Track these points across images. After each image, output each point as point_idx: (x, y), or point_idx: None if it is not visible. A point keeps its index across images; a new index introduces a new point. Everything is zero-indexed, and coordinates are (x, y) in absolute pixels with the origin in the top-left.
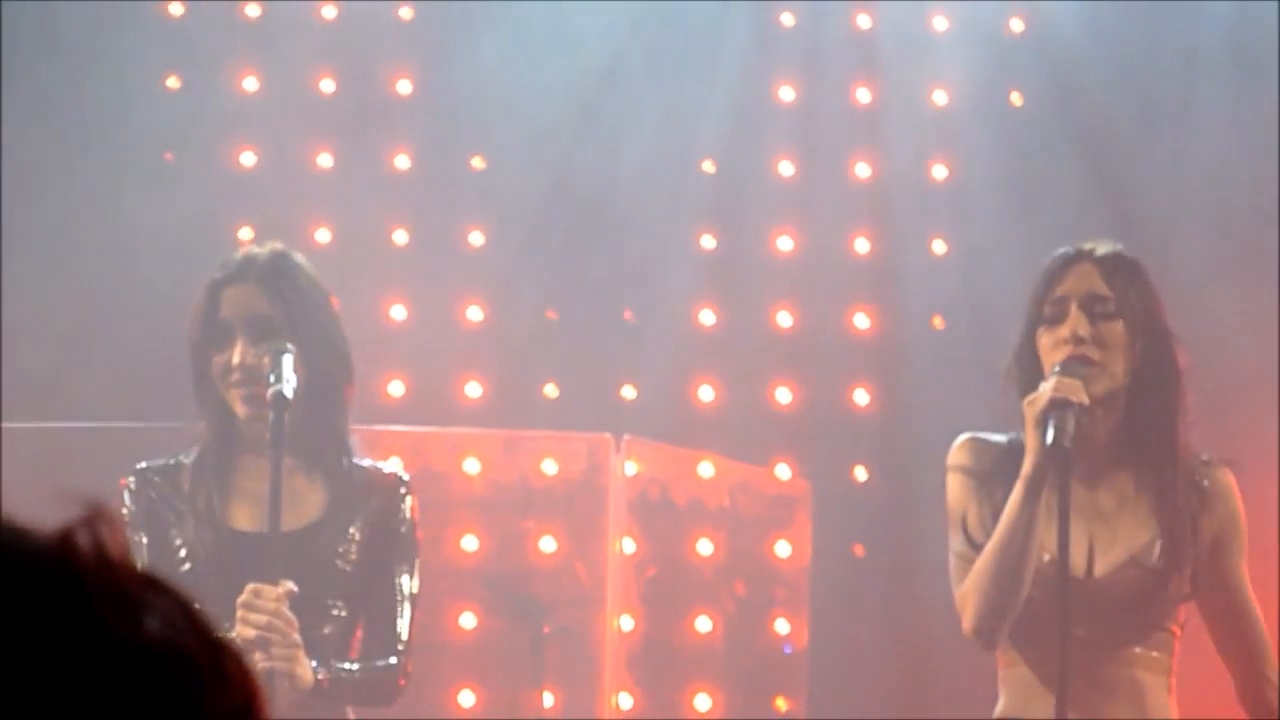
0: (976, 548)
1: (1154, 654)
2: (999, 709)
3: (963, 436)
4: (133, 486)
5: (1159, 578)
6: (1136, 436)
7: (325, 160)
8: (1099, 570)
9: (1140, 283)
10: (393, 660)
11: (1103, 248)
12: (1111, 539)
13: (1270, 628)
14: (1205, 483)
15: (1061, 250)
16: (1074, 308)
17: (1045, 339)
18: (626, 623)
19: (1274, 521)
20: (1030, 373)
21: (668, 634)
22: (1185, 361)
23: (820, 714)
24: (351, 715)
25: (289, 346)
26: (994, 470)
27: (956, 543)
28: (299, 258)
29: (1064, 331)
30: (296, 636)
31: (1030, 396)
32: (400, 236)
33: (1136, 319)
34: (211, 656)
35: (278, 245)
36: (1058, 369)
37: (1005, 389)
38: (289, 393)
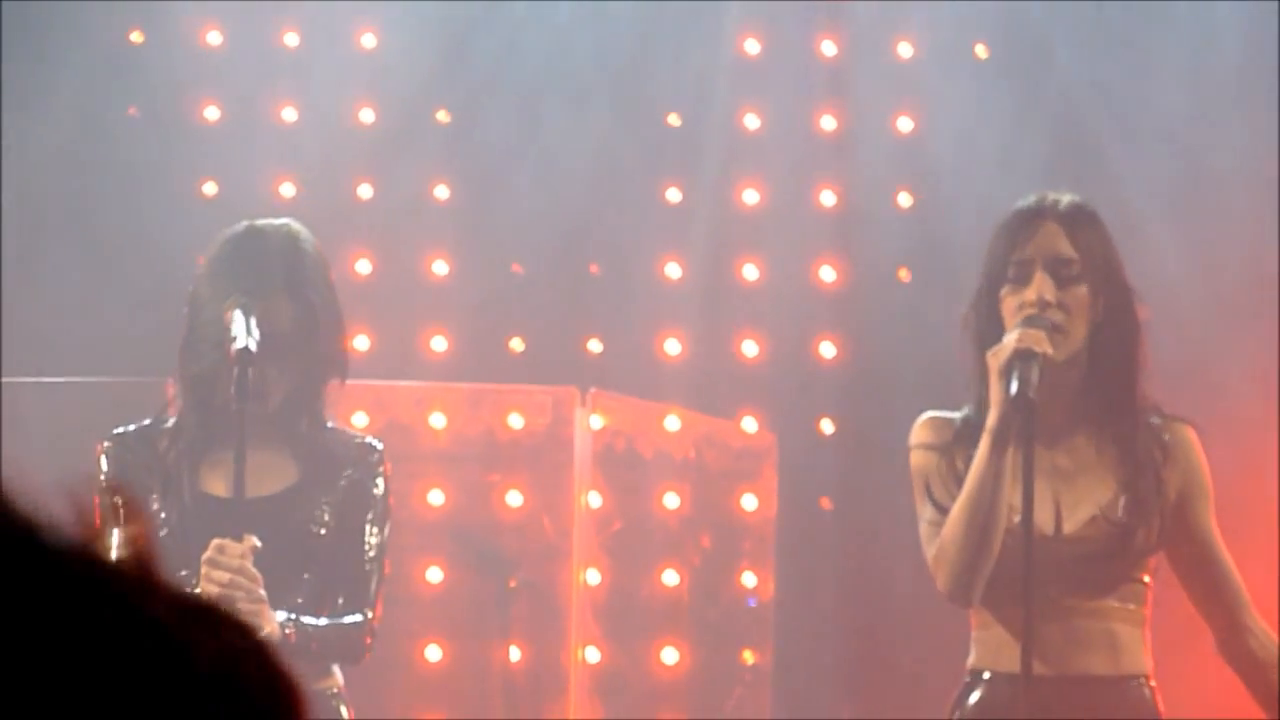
0: (944, 513)
1: (1128, 606)
2: (971, 661)
3: (923, 416)
4: (110, 451)
5: (1126, 531)
6: (1097, 392)
7: (290, 114)
8: (1067, 527)
9: (1101, 238)
10: (359, 617)
11: (1064, 200)
12: (1077, 495)
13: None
14: (1166, 437)
15: (1023, 204)
16: (1039, 271)
17: (1010, 301)
18: (593, 576)
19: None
20: (991, 330)
21: (634, 587)
22: (1145, 315)
23: (787, 667)
24: (349, 715)
25: (247, 303)
26: (955, 441)
27: (925, 512)
28: (309, 239)
29: (1030, 295)
30: (261, 591)
31: (994, 349)
32: (365, 190)
33: (1099, 278)
34: (265, 680)
35: (293, 229)
36: (1021, 323)
37: (962, 339)
38: (253, 347)
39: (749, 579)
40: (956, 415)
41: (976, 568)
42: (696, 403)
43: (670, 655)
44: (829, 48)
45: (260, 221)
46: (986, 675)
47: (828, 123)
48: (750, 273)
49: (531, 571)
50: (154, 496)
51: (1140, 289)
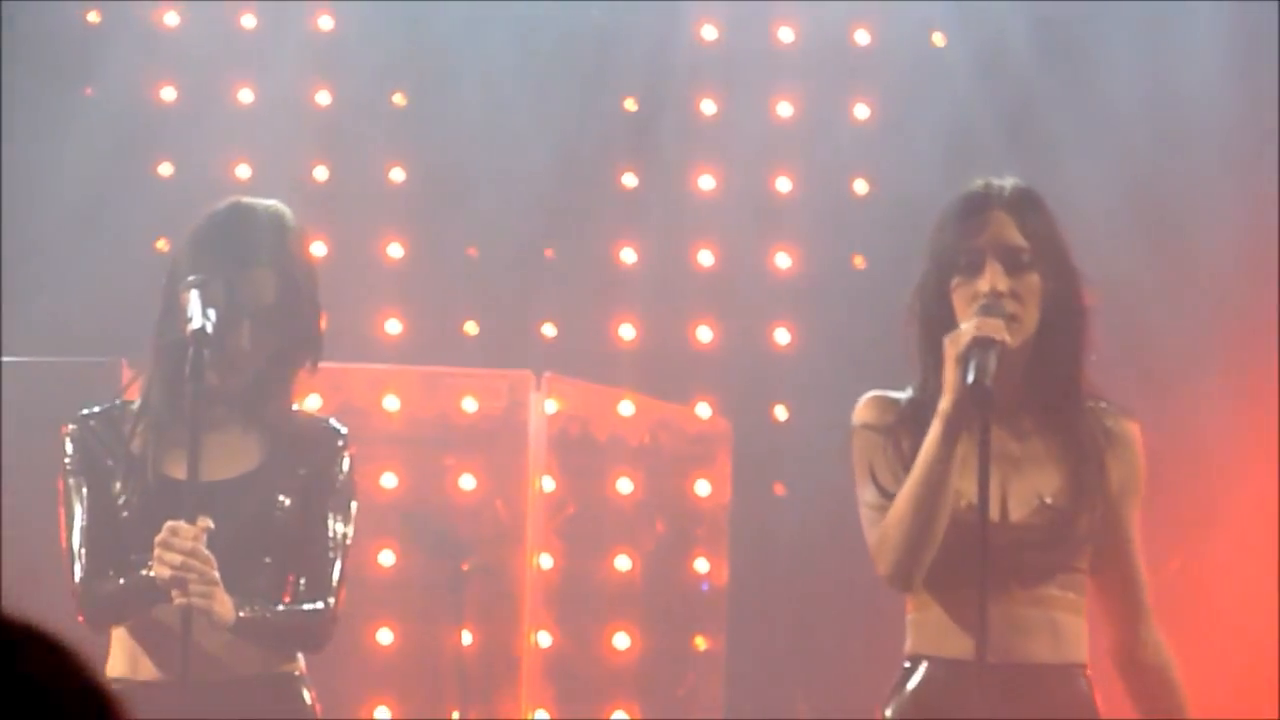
0: (888, 496)
1: (1069, 595)
2: (908, 649)
3: (867, 395)
4: (74, 434)
5: (1070, 519)
6: (1043, 377)
7: (246, 96)
8: (1014, 514)
9: (1048, 223)
10: (320, 605)
11: (1009, 186)
12: (1023, 481)
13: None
14: (1110, 424)
15: (969, 191)
16: (990, 260)
17: (962, 291)
18: (546, 560)
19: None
20: (940, 316)
21: (587, 572)
22: (1091, 300)
23: (739, 652)
24: (312, 696)
25: (197, 281)
26: (899, 423)
27: (867, 494)
28: (295, 220)
29: (983, 285)
30: (214, 573)
31: (952, 335)
32: (320, 172)
33: (1048, 265)
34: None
35: (279, 209)
36: (978, 310)
37: (908, 324)
38: (209, 328)
39: (702, 564)
40: (901, 396)
41: (920, 554)
42: (651, 388)
43: (622, 640)
44: (786, 34)
45: (247, 199)
46: (925, 662)
47: (784, 110)
48: (705, 259)
49: (484, 555)
50: (116, 479)
51: (1089, 276)
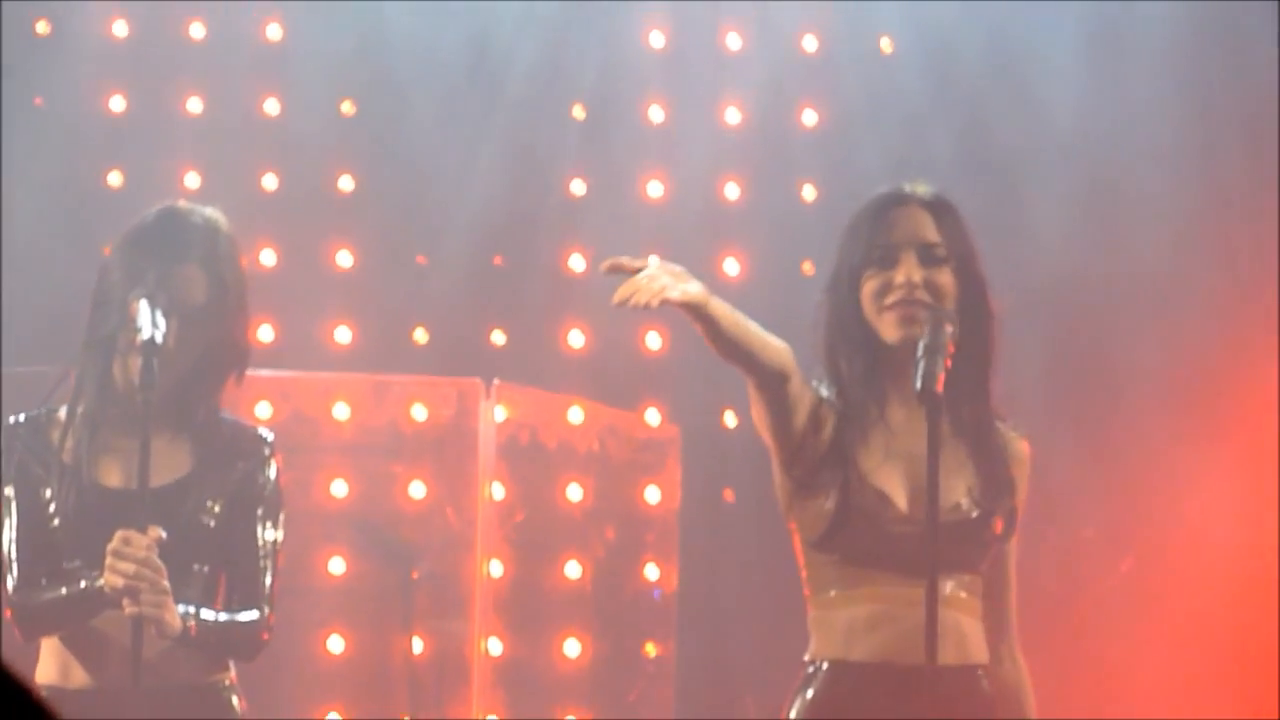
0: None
1: (974, 598)
2: (811, 651)
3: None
4: (1, 443)
5: (983, 521)
6: (952, 381)
7: (195, 105)
8: (924, 514)
9: (962, 228)
10: (255, 614)
11: (924, 190)
12: (940, 480)
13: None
14: (1007, 440)
15: (884, 191)
16: (905, 254)
17: (872, 283)
18: (496, 568)
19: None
20: (850, 313)
21: (537, 579)
22: (998, 308)
23: (690, 659)
24: (242, 705)
25: (150, 293)
26: (820, 406)
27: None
28: (228, 227)
29: (897, 277)
30: (165, 583)
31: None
32: (270, 181)
33: (962, 266)
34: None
35: (214, 214)
36: (896, 303)
37: (816, 327)
38: (159, 339)
39: (652, 571)
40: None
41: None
42: (600, 394)
43: (573, 647)
44: (734, 41)
45: (183, 203)
46: (828, 664)
47: (732, 116)
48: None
49: (435, 563)
50: (46, 487)
51: (1044, 284)
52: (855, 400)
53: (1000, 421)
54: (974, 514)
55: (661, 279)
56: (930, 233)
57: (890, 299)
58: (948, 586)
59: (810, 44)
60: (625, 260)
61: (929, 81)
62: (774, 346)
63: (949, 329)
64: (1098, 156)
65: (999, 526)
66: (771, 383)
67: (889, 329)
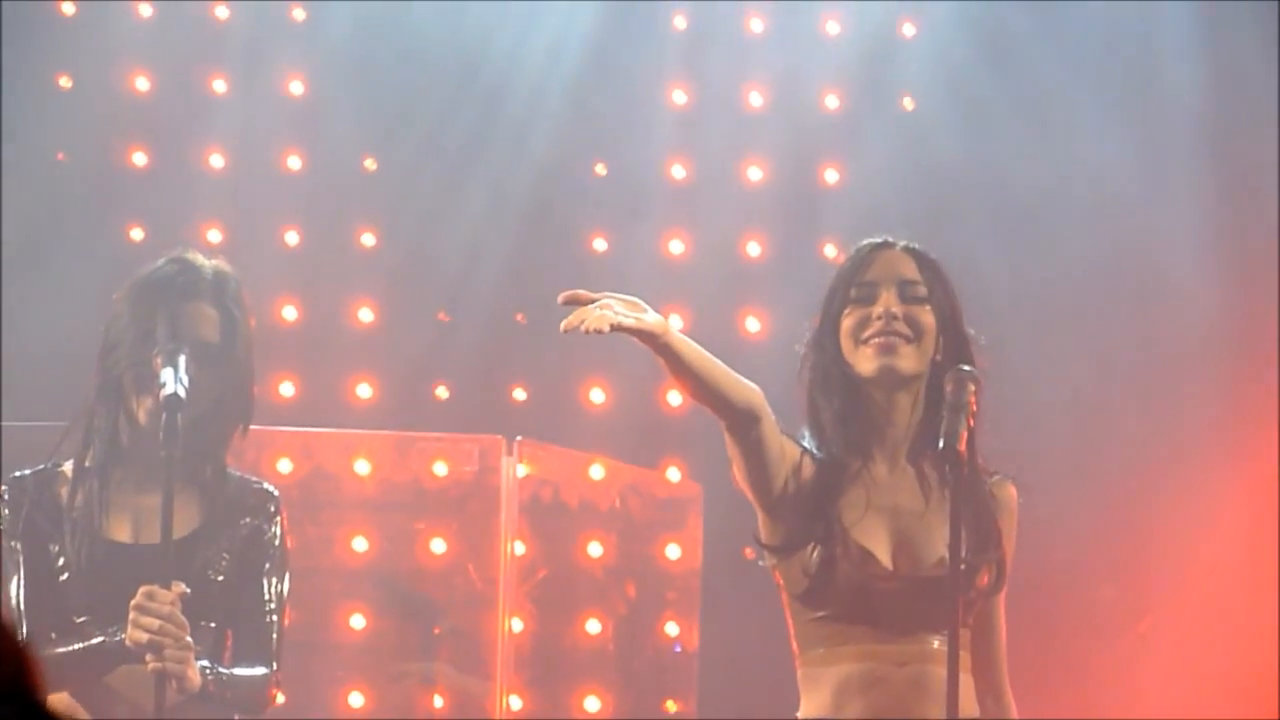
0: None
1: (964, 652)
2: (801, 710)
3: None
4: (7, 496)
5: (969, 574)
6: (931, 433)
7: (217, 160)
8: (913, 568)
9: (946, 281)
10: (264, 670)
11: (908, 242)
12: (924, 535)
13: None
14: (993, 486)
15: (867, 240)
16: (885, 290)
17: (850, 319)
18: (517, 624)
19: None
20: (829, 354)
21: (558, 635)
22: (983, 365)
23: (710, 716)
24: None
25: (184, 348)
26: (804, 461)
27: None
28: (236, 279)
29: (876, 309)
30: (189, 639)
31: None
32: (292, 237)
33: (944, 312)
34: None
35: (222, 264)
36: (868, 338)
37: (799, 375)
38: (182, 393)
39: (672, 628)
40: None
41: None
42: (621, 452)
43: (593, 704)
44: (756, 99)
45: (188, 253)
46: None
47: (754, 173)
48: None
49: (456, 619)
50: (53, 542)
51: (1070, 342)
52: (836, 452)
53: (987, 475)
54: (960, 568)
55: (615, 306)
56: (911, 271)
57: (868, 331)
58: (934, 642)
59: (832, 102)
60: (582, 293)
61: (951, 139)
62: (744, 385)
63: (972, 387)
64: (1123, 211)
65: (985, 580)
66: (742, 422)
67: (866, 362)
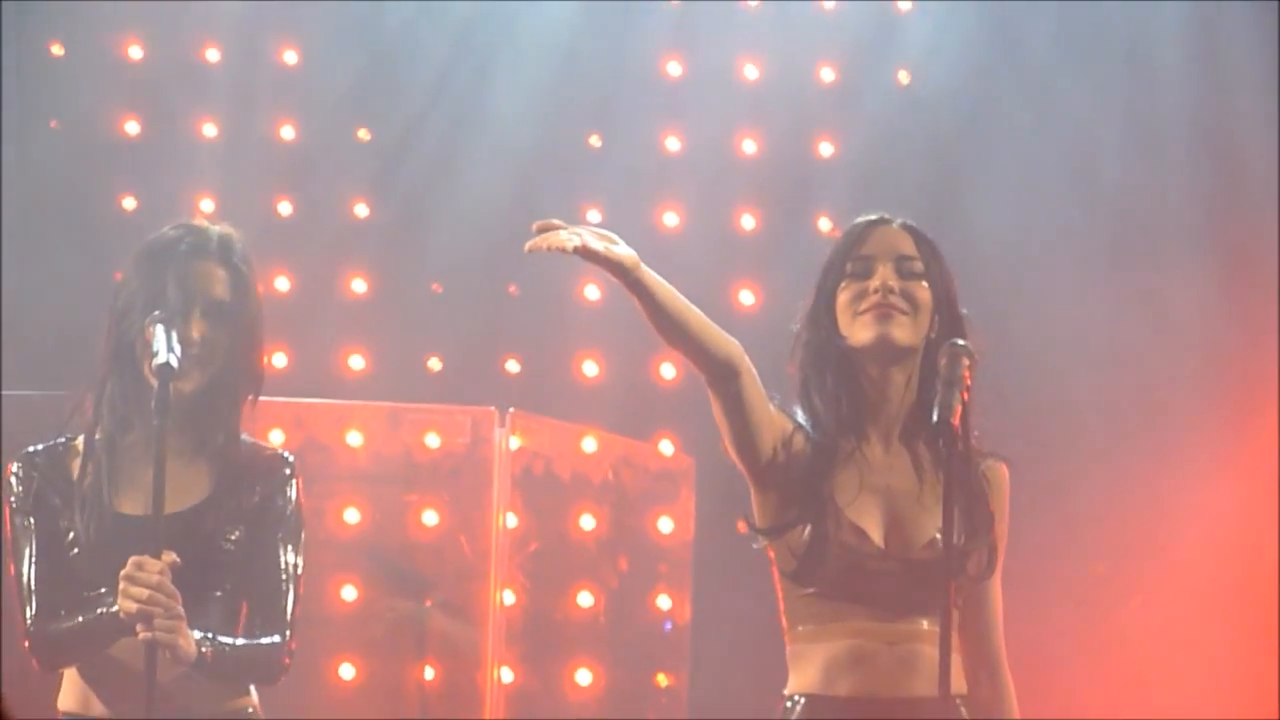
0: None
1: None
2: (790, 686)
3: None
4: (19, 472)
5: (962, 556)
6: (923, 413)
7: (210, 130)
8: (905, 549)
9: (942, 260)
10: (276, 638)
11: (904, 219)
12: (917, 517)
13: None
14: (984, 468)
15: (863, 216)
16: (881, 265)
17: (846, 292)
18: (509, 597)
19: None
20: (824, 329)
21: (550, 608)
22: (977, 345)
23: (702, 689)
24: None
25: (162, 316)
26: (796, 435)
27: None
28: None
29: (873, 283)
30: (179, 609)
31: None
32: (285, 207)
33: (940, 290)
34: None
35: (228, 227)
36: (865, 309)
37: (792, 353)
38: (174, 363)
39: (664, 601)
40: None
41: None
42: (614, 424)
43: (584, 677)
44: (751, 71)
45: (195, 220)
46: (804, 699)
47: (749, 146)
48: None
49: (447, 591)
50: (63, 517)
51: (1065, 324)
52: (830, 431)
53: (980, 456)
54: (953, 552)
55: (584, 234)
56: (908, 247)
57: (864, 304)
58: (924, 623)
59: (827, 75)
60: (555, 220)
61: (945, 113)
62: (723, 335)
63: (966, 363)
64: (1119, 186)
65: (976, 562)
66: (721, 374)
67: (863, 330)
